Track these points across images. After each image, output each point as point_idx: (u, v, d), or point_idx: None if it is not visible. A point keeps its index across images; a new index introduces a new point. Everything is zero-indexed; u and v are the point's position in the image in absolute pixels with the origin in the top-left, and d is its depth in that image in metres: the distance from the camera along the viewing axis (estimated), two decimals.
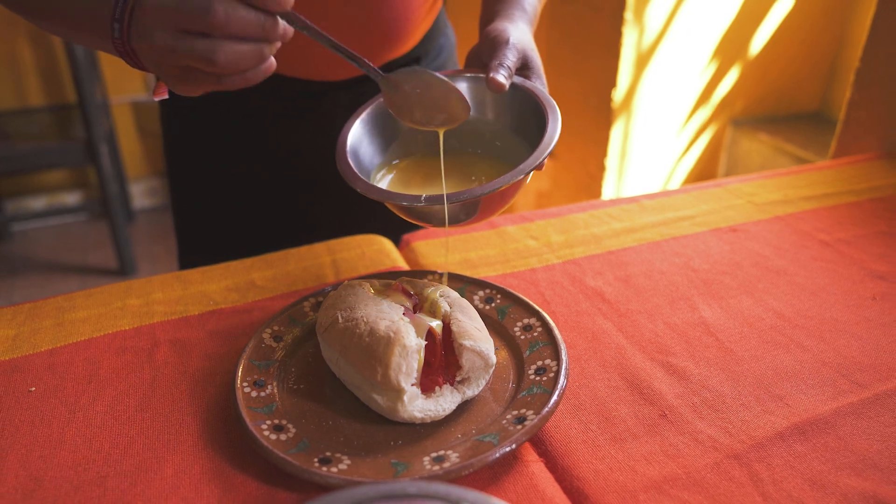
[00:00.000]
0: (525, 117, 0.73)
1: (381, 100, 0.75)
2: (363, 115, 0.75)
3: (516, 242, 0.91)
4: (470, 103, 0.66)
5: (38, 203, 3.13)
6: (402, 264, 0.86)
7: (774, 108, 2.22)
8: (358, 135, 0.74)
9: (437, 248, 0.89)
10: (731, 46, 2.05)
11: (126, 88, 3.04)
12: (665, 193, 1.06)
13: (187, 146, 1.00)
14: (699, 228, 0.95)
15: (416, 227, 0.97)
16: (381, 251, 0.88)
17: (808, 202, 1.03)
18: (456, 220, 0.67)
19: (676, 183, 2.24)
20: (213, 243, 1.03)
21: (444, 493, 0.42)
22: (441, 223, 0.66)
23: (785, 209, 1.00)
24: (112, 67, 2.94)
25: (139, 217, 3.23)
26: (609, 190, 2.16)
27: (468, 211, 0.66)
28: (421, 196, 0.62)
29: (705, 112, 2.15)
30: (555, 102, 0.71)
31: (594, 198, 2.20)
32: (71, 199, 3.17)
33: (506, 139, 0.76)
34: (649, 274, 0.84)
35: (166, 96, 0.66)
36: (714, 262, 0.86)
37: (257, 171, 0.98)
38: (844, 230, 0.94)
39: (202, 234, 1.06)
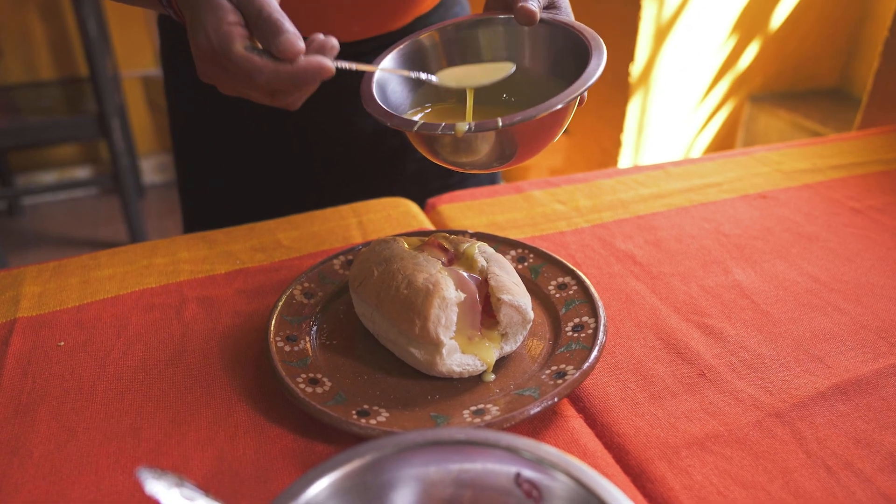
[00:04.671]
0: (565, 57, 0.66)
1: (408, 43, 0.70)
2: (391, 55, 0.69)
3: (543, 206, 0.89)
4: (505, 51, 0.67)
5: (49, 177, 3.12)
6: (429, 226, 0.85)
7: (793, 83, 2.19)
8: (385, 76, 0.67)
9: (464, 211, 0.88)
10: (749, 21, 2.02)
11: (137, 63, 3.01)
12: (690, 161, 1.04)
13: (194, 119, 0.97)
14: (727, 195, 0.93)
15: (438, 192, 0.96)
16: (408, 213, 0.86)
17: (837, 171, 1.01)
18: (489, 163, 0.60)
19: None
20: (219, 219, 1.01)
21: (494, 439, 0.41)
22: (472, 156, 0.59)
23: (814, 177, 0.99)
24: (123, 41, 2.92)
25: (149, 192, 3.22)
26: (624, 166, 2.14)
27: (506, 147, 0.59)
28: (467, 124, 0.54)
29: (723, 88, 2.12)
30: (597, 35, 0.63)
31: None
32: (82, 173, 3.16)
33: (545, 84, 0.69)
34: (680, 238, 0.82)
35: None
36: (745, 228, 0.85)
37: (267, 145, 0.95)
38: (875, 198, 0.93)
39: (208, 209, 1.03)
